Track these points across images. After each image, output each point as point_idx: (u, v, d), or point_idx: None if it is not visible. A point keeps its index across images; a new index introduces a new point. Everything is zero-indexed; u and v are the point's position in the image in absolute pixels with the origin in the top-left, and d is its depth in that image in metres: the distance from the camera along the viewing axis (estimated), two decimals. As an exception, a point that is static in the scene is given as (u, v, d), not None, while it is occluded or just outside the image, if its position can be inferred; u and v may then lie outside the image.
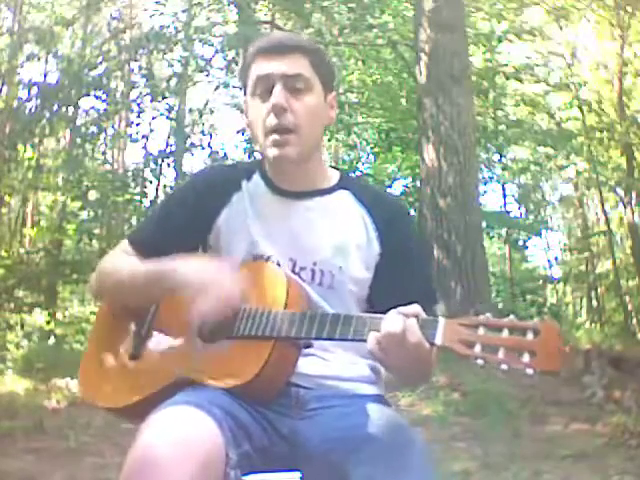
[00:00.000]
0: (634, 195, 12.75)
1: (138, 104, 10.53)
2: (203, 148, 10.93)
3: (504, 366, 1.07)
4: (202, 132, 11.08)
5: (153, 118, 11.35)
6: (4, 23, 11.91)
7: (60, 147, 12.20)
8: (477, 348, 1.09)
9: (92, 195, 10.60)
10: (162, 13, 10.11)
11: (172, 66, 10.24)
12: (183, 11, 10.37)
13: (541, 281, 15.13)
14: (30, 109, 9.44)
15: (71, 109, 10.19)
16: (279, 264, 1.38)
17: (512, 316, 1.12)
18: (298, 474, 1.28)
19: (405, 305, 1.18)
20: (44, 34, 9.89)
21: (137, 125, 11.37)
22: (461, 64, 7.87)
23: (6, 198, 11.28)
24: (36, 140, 10.14)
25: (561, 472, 3.45)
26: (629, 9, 11.40)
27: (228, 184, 1.47)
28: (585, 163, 13.05)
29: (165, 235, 1.45)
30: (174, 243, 1.43)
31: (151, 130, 11.69)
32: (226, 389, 1.23)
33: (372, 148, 13.25)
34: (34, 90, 9.41)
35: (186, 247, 1.44)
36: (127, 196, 10.45)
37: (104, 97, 10.08)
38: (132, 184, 10.67)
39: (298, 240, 1.40)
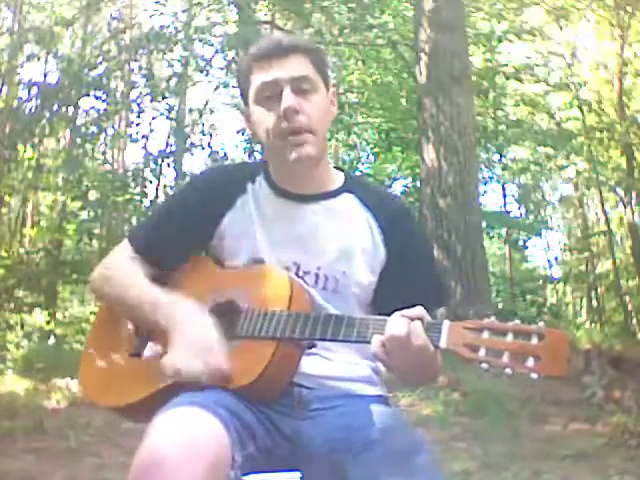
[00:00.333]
0: (634, 195, 12.75)
1: (138, 104, 10.53)
2: (203, 148, 10.93)
3: (508, 370, 1.07)
4: (202, 132, 11.07)
5: (153, 118, 11.35)
6: (4, 23, 11.92)
7: (60, 147, 12.20)
8: (481, 352, 1.09)
9: (92, 195, 10.59)
10: (162, 13, 10.11)
11: (172, 66, 10.23)
12: (183, 11, 10.37)
13: (541, 281, 15.13)
14: (30, 109, 9.43)
15: (71, 109, 10.18)
16: (287, 268, 1.37)
17: (517, 320, 1.11)
18: (298, 474, 1.28)
19: (410, 307, 1.17)
20: (44, 34, 9.88)
21: (137, 125, 11.36)
22: (461, 64, 7.86)
23: (6, 198, 11.28)
24: (36, 140, 10.13)
25: (561, 472, 3.45)
26: (629, 9, 11.40)
27: (232, 186, 1.45)
28: (585, 163, 13.05)
29: (165, 236, 1.44)
30: (174, 244, 1.42)
31: (151, 130, 11.69)
32: (231, 389, 1.22)
33: (372, 148, 13.25)
34: (34, 90, 9.40)
35: (187, 250, 1.45)
36: (127, 196, 10.43)
37: (104, 97, 10.07)
38: (132, 184, 10.66)
39: (302, 244, 1.39)
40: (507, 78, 11.06)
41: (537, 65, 12.12)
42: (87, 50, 12.03)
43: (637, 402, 4.63)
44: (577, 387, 5.19)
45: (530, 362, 1.06)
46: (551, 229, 17.43)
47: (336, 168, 1.53)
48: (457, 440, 4.14)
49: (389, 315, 1.17)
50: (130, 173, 11.14)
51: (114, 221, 12.01)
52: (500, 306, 10.35)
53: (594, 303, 15.92)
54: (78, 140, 10.49)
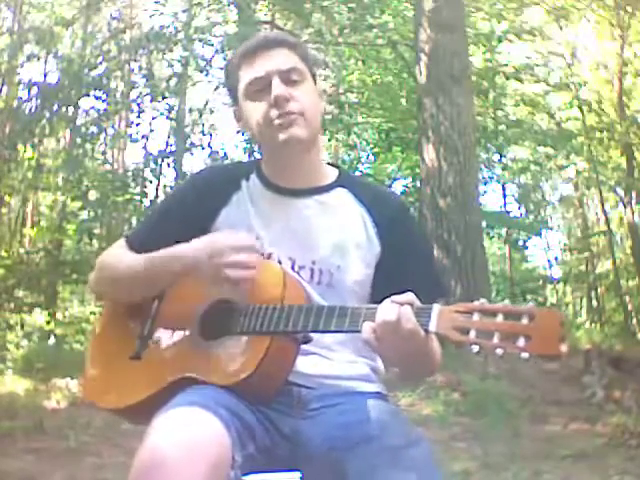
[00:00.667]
0: (634, 195, 12.75)
1: (138, 104, 10.52)
2: (203, 148, 10.92)
3: (499, 351, 1.06)
4: (202, 132, 11.07)
5: (153, 118, 11.35)
6: (4, 23, 11.91)
7: (60, 147, 12.20)
8: (472, 334, 1.08)
9: (92, 195, 10.58)
10: (162, 13, 10.12)
11: (172, 66, 10.23)
12: (183, 11, 10.37)
13: (541, 281, 15.14)
14: (30, 109, 9.44)
15: (71, 109, 10.18)
16: (279, 262, 1.38)
17: (507, 301, 1.11)
18: (298, 474, 1.28)
19: None
20: (44, 34, 9.88)
21: (137, 125, 11.36)
22: (461, 64, 7.86)
23: (6, 198, 11.27)
24: (36, 140, 10.13)
25: (561, 472, 3.46)
26: (629, 9, 11.40)
27: (227, 184, 1.47)
28: (585, 163, 13.05)
29: (163, 235, 1.45)
30: (171, 243, 1.42)
31: (151, 130, 11.69)
32: (227, 386, 1.23)
33: (372, 148, 13.24)
34: (34, 90, 9.41)
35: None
36: (127, 196, 10.43)
37: (104, 97, 10.07)
38: (132, 184, 10.65)
39: (297, 239, 1.40)
40: (507, 78, 11.05)
41: (537, 65, 12.11)
42: (87, 50, 12.02)
43: (637, 402, 4.63)
44: (577, 387, 5.20)
45: (521, 342, 1.05)
46: (551, 229, 17.45)
47: (330, 164, 1.54)
48: (457, 440, 4.14)
49: None
50: (130, 173, 11.13)
51: (114, 221, 12.00)
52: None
53: (594, 303, 15.92)
54: (78, 140, 10.49)
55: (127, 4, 12.44)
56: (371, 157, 13.88)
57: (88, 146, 10.55)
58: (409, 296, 1.16)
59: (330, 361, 1.37)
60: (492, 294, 9.31)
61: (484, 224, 9.50)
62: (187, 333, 1.34)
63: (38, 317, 9.97)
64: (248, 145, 10.82)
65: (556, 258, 18.23)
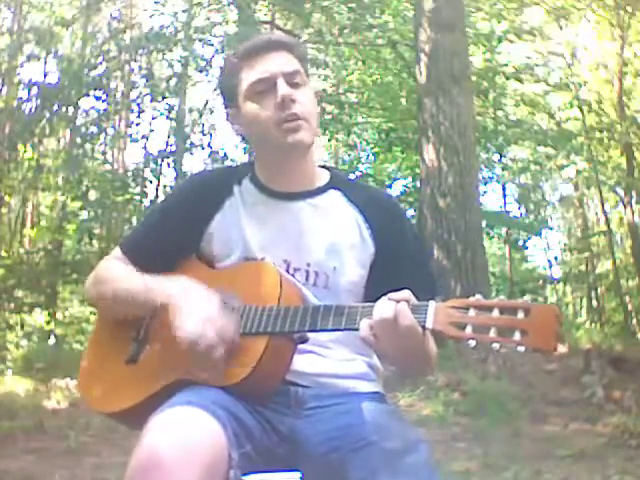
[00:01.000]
0: (634, 195, 12.75)
1: (138, 104, 10.53)
2: (203, 148, 10.92)
3: (496, 345, 1.07)
4: (202, 132, 11.07)
5: (153, 118, 11.36)
6: (4, 23, 11.91)
7: (60, 147, 12.20)
8: (468, 329, 1.09)
9: (92, 195, 10.59)
10: (162, 13, 10.12)
11: (172, 66, 10.24)
12: (183, 11, 10.36)
13: (541, 281, 15.13)
14: (30, 109, 9.44)
15: (71, 109, 10.19)
16: (277, 266, 1.38)
17: (502, 296, 1.12)
18: (298, 474, 1.28)
19: None
20: (44, 34, 9.90)
21: (137, 125, 11.38)
22: (461, 64, 7.86)
23: (6, 198, 11.27)
24: (36, 140, 10.13)
25: (561, 472, 3.46)
26: (629, 9, 11.40)
27: (220, 189, 1.47)
28: (585, 163, 13.05)
29: (157, 242, 1.45)
30: (166, 250, 1.44)
31: (151, 130, 11.71)
32: (225, 386, 1.23)
33: (372, 148, 13.24)
34: (34, 90, 9.41)
35: (178, 253, 1.45)
36: (127, 196, 10.44)
37: (104, 97, 10.08)
38: (132, 184, 10.66)
39: (291, 242, 1.40)
40: (507, 78, 11.05)
41: (537, 65, 12.11)
42: (87, 50, 12.02)
43: (637, 402, 4.63)
44: (577, 387, 5.19)
45: (517, 336, 1.05)
46: (551, 229, 17.44)
47: (322, 167, 1.54)
48: (457, 440, 4.14)
49: None
50: (130, 173, 11.15)
51: (114, 221, 12.00)
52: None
53: (594, 303, 15.92)
54: (78, 140, 10.49)
55: (127, 4, 12.43)
56: (371, 157, 13.89)
57: (88, 146, 10.56)
58: (406, 293, 1.16)
59: (326, 359, 1.37)
60: (492, 294, 9.31)
61: (484, 224, 9.50)
62: None
63: (38, 317, 9.98)
64: (248, 145, 10.81)
65: (556, 258, 18.26)
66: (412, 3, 9.17)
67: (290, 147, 1.38)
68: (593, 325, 14.65)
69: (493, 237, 12.70)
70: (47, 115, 9.35)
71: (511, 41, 11.06)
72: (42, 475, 3.44)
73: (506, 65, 11.26)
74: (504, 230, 13.12)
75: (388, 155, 12.66)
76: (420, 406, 4.98)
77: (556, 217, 18.84)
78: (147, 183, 10.93)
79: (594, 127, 12.49)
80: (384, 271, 1.40)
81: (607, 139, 12.41)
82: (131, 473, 1.05)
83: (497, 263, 17.17)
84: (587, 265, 15.70)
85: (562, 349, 6.50)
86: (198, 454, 1.05)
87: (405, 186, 12.67)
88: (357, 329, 1.17)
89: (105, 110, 10.33)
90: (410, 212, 11.16)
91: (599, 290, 15.47)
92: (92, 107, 10.63)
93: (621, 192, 13.40)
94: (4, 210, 11.80)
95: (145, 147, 11.74)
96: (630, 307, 13.84)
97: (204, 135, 11.06)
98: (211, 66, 10.11)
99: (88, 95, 9.72)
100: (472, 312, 1.10)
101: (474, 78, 9.78)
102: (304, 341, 1.28)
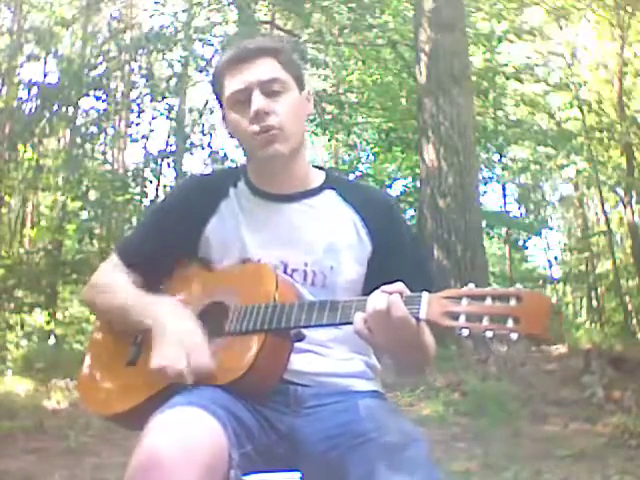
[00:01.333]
0: (634, 195, 12.75)
1: (138, 104, 10.53)
2: (203, 148, 10.91)
3: (489, 333, 1.07)
4: (202, 132, 11.06)
5: (153, 118, 11.35)
6: (4, 23, 11.91)
7: (60, 147, 12.20)
8: (461, 319, 1.09)
9: (92, 195, 10.59)
10: (162, 13, 10.12)
11: (172, 66, 10.23)
12: (183, 11, 10.36)
13: (541, 281, 15.13)
14: (30, 109, 9.44)
15: (71, 109, 10.19)
16: (275, 267, 1.38)
17: (492, 279, 1.12)
18: (298, 474, 1.28)
19: None
20: (44, 34, 9.90)
21: (137, 125, 11.37)
22: (461, 64, 7.86)
23: (6, 198, 11.27)
24: (36, 140, 10.13)
25: (561, 472, 3.46)
26: (629, 9, 11.41)
27: (215, 192, 1.47)
28: (585, 163, 13.05)
29: (153, 246, 1.46)
30: (162, 253, 1.44)
31: (151, 130, 11.69)
32: (223, 385, 1.23)
33: (372, 148, 13.24)
34: (34, 90, 9.41)
35: (175, 256, 1.46)
36: (127, 196, 10.43)
37: (104, 97, 10.08)
38: (132, 184, 10.66)
39: (288, 243, 1.41)
40: (507, 78, 11.05)
41: (537, 65, 12.12)
42: (87, 50, 12.03)
43: (637, 402, 4.63)
44: (577, 387, 5.19)
45: (510, 323, 1.06)
46: (551, 229, 17.46)
47: (317, 167, 1.54)
48: (457, 440, 4.14)
49: None
50: (130, 173, 11.14)
51: (114, 221, 12.00)
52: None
53: (594, 303, 15.93)
54: (78, 140, 10.50)
55: (127, 4, 12.42)
56: (371, 157, 13.89)
57: (88, 146, 10.56)
58: (399, 285, 1.17)
59: (325, 358, 1.37)
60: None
61: (484, 224, 9.50)
62: None
63: (38, 317, 9.98)
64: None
65: (556, 258, 18.27)
66: (412, 3, 9.17)
67: (265, 160, 1.39)
68: (593, 325, 14.65)
69: (493, 237, 12.69)
70: (47, 115, 9.35)
71: (511, 41, 11.07)
72: (42, 475, 3.44)
73: (506, 65, 11.26)
74: (504, 230, 13.12)
75: (388, 155, 12.66)
76: (420, 406, 4.98)
77: (556, 217, 18.86)
78: (147, 183, 10.93)
79: (594, 127, 12.50)
80: (381, 269, 1.40)
81: (607, 139, 12.42)
82: (131, 473, 1.05)
83: (497, 263, 17.18)
84: (587, 265, 15.71)
85: (562, 349, 6.51)
86: (198, 454, 1.05)
87: (405, 186, 12.68)
88: (352, 323, 1.18)
89: (105, 110, 10.33)
90: (410, 212, 11.18)
91: (599, 290, 15.48)
92: (92, 107, 10.64)
93: (621, 192, 13.41)
94: (4, 210, 11.80)
95: (145, 147, 11.75)
96: (630, 307, 13.84)
97: (204, 135, 11.05)
98: (211, 66, 10.09)
99: (88, 95, 9.72)
100: (465, 301, 1.11)
101: (474, 78, 9.78)
102: (300, 339, 1.28)
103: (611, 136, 12.27)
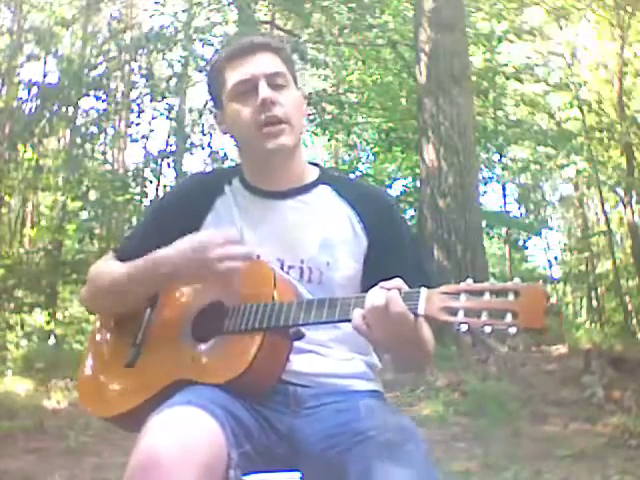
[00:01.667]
0: (634, 195, 12.75)
1: (138, 104, 10.53)
2: (203, 148, 10.90)
3: (487, 328, 1.07)
4: (202, 132, 11.05)
5: (153, 118, 11.32)
6: (4, 23, 11.91)
7: (60, 147, 12.20)
8: (460, 314, 1.10)
9: (92, 195, 10.59)
10: (162, 13, 10.12)
11: (172, 66, 10.22)
12: (183, 11, 10.36)
13: (541, 281, 15.06)
14: (30, 109, 9.44)
15: (71, 109, 10.19)
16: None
17: (492, 280, 1.12)
18: (298, 474, 1.28)
19: None
20: (44, 34, 9.90)
21: (137, 125, 11.36)
22: (461, 64, 7.86)
23: (6, 198, 11.27)
24: (36, 140, 10.13)
25: (561, 472, 3.45)
26: (629, 9, 11.41)
27: (210, 189, 1.48)
28: (585, 163, 13.05)
29: (150, 245, 1.45)
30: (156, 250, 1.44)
31: (151, 130, 11.68)
32: (222, 383, 1.23)
33: (372, 148, 13.24)
34: (34, 90, 9.41)
35: None
36: (127, 196, 10.43)
37: (104, 97, 10.07)
38: (132, 184, 10.65)
39: (283, 240, 1.41)
40: (507, 78, 11.05)
41: (537, 65, 12.12)
42: (87, 50, 12.03)
43: (637, 402, 4.62)
44: (577, 387, 5.19)
45: (508, 318, 1.06)
46: (551, 229, 17.45)
47: (311, 163, 1.54)
48: (457, 440, 4.14)
49: None
50: (130, 173, 11.13)
51: (114, 221, 12.00)
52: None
53: (594, 303, 15.93)
54: (78, 140, 10.49)
55: (127, 4, 12.43)
56: (371, 157, 13.88)
57: (88, 146, 10.55)
58: (397, 281, 1.17)
59: (325, 358, 1.37)
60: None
61: (484, 224, 9.50)
62: (180, 337, 1.34)
63: (38, 317, 9.98)
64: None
65: (556, 258, 18.26)
66: (412, 3, 9.18)
67: (271, 152, 1.39)
68: (593, 325, 14.65)
69: (493, 237, 12.69)
70: (47, 115, 9.35)
71: (511, 41, 11.07)
72: (42, 475, 3.44)
73: (506, 65, 11.26)
74: (504, 230, 13.12)
75: (388, 155, 12.66)
76: (420, 406, 4.98)
77: (556, 217, 18.86)
78: (147, 183, 10.91)
79: (594, 127, 12.50)
80: (378, 264, 1.40)
81: (607, 139, 12.42)
82: (130, 473, 1.05)
83: (497, 263, 17.18)
84: (587, 265, 15.71)
85: (562, 349, 6.50)
86: (197, 454, 1.05)
87: (405, 186, 12.68)
88: (350, 320, 1.18)
89: (105, 110, 10.32)
90: (410, 212, 11.17)
91: (599, 290, 15.48)
92: (92, 107, 10.63)
93: (621, 192, 13.40)
94: (4, 210, 11.80)
95: (145, 147, 11.74)
96: (630, 307, 13.84)
97: (204, 135, 11.04)
98: (211, 66, 10.10)
99: (88, 95, 9.72)
100: (463, 297, 1.11)
101: (474, 78, 9.78)
102: (300, 337, 1.28)
103: (611, 136, 12.27)
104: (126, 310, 1.42)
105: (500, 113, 12.20)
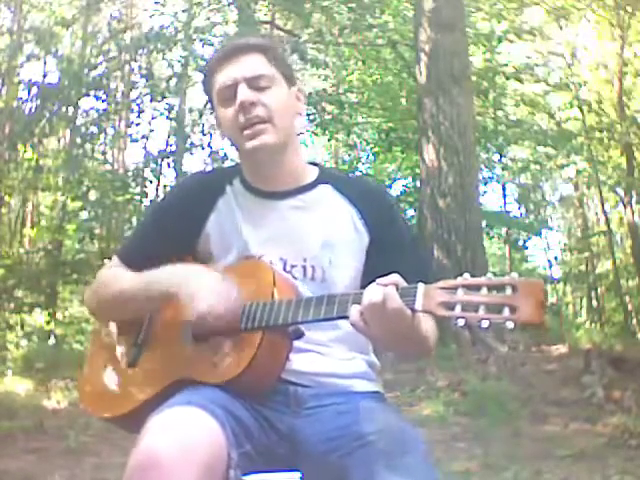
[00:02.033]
0: (634, 195, 12.75)
1: (138, 104, 10.53)
2: (203, 148, 10.90)
3: (485, 323, 1.07)
4: (202, 132, 11.06)
5: (153, 118, 11.34)
6: (4, 23, 11.91)
7: (60, 147, 12.20)
8: (457, 309, 1.09)
9: (92, 195, 10.59)
10: (162, 13, 10.12)
11: (172, 66, 10.23)
12: (183, 11, 10.37)
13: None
14: (30, 109, 9.45)
15: (71, 109, 10.19)
16: (271, 263, 1.39)
17: (490, 274, 1.12)
18: (298, 474, 1.28)
19: None
20: (44, 34, 9.90)
21: (137, 125, 11.36)
22: (461, 64, 7.86)
23: (6, 198, 11.27)
24: (36, 140, 10.13)
25: (561, 472, 3.45)
26: (629, 9, 11.41)
27: (212, 190, 1.48)
28: (585, 163, 13.05)
29: (154, 246, 1.46)
30: (163, 253, 1.44)
31: (151, 130, 11.69)
32: (222, 384, 1.23)
33: (372, 148, 13.24)
34: (34, 90, 9.41)
35: (175, 254, 1.45)
36: (127, 196, 10.43)
37: (104, 97, 10.08)
38: (132, 184, 10.65)
39: (285, 239, 1.41)
40: (507, 78, 11.05)
41: (537, 65, 12.12)
42: (87, 50, 12.03)
43: (637, 402, 4.62)
44: (577, 387, 5.19)
45: (506, 312, 1.06)
46: (551, 229, 17.45)
47: (310, 163, 1.54)
48: (457, 440, 4.14)
49: None
50: (130, 173, 11.13)
51: (114, 221, 12.00)
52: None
53: (594, 303, 15.92)
54: (78, 140, 10.49)
55: (127, 4, 12.42)
56: (371, 157, 13.89)
57: (88, 146, 10.55)
58: (394, 277, 1.17)
59: (326, 358, 1.37)
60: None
61: (484, 224, 9.50)
62: (181, 337, 1.34)
63: (38, 317, 9.98)
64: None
65: (556, 258, 18.25)
66: (412, 3, 9.18)
67: (251, 152, 1.39)
68: (593, 325, 14.66)
69: (493, 237, 12.70)
70: (47, 115, 9.36)
71: (511, 41, 11.07)
72: (42, 475, 3.44)
73: (506, 65, 11.27)
74: (504, 230, 13.12)
75: (388, 155, 12.66)
76: (420, 406, 4.98)
77: (556, 217, 18.86)
78: (147, 183, 10.92)
79: (594, 127, 12.50)
80: (378, 260, 1.41)
81: (607, 139, 12.42)
82: (130, 473, 1.05)
83: (497, 263, 17.18)
84: (587, 265, 15.71)
85: (562, 349, 6.50)
86: (196, 454, 1.05)
87: (405, 186, 12.69)
88: (348, 316, 1.18)
89: (105, 110, 10.32)
90: (410, 212, 11.17)
91: (599, 290, 15.48)
92: (92, 107, 10.63)
93: (621, 192, 13.40)
94: (4, 210, 11.80)
95: (145, 147, 11.75)
96: (630, 307, 13.84)
97: (204, 135, 11.04)
98: (211, 66, 10.09)
99: (88, 95, 9.72)
100: (460, 292, 1.11)
101: (474, 78, 9.78)
102: (299, 336, 1.28)
103: (611, 136, 12.27)
104: (130, 318, 1.43)
105: (500, 113, 12.20)
